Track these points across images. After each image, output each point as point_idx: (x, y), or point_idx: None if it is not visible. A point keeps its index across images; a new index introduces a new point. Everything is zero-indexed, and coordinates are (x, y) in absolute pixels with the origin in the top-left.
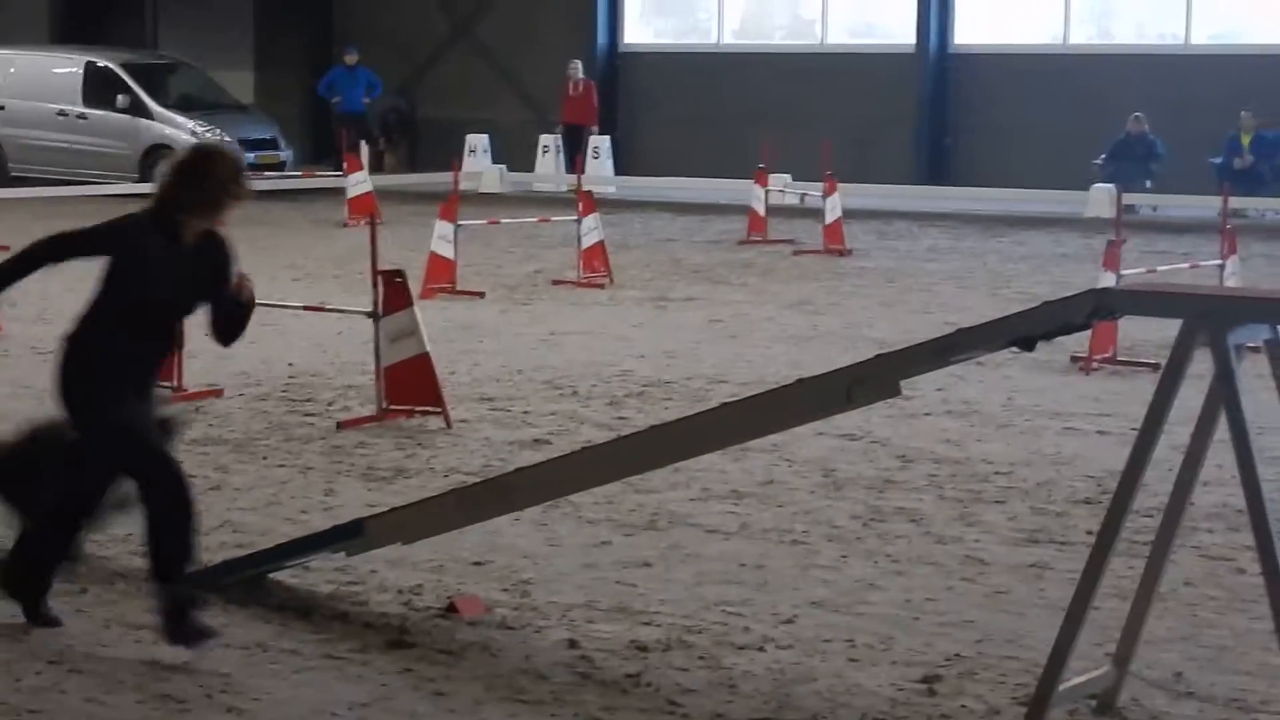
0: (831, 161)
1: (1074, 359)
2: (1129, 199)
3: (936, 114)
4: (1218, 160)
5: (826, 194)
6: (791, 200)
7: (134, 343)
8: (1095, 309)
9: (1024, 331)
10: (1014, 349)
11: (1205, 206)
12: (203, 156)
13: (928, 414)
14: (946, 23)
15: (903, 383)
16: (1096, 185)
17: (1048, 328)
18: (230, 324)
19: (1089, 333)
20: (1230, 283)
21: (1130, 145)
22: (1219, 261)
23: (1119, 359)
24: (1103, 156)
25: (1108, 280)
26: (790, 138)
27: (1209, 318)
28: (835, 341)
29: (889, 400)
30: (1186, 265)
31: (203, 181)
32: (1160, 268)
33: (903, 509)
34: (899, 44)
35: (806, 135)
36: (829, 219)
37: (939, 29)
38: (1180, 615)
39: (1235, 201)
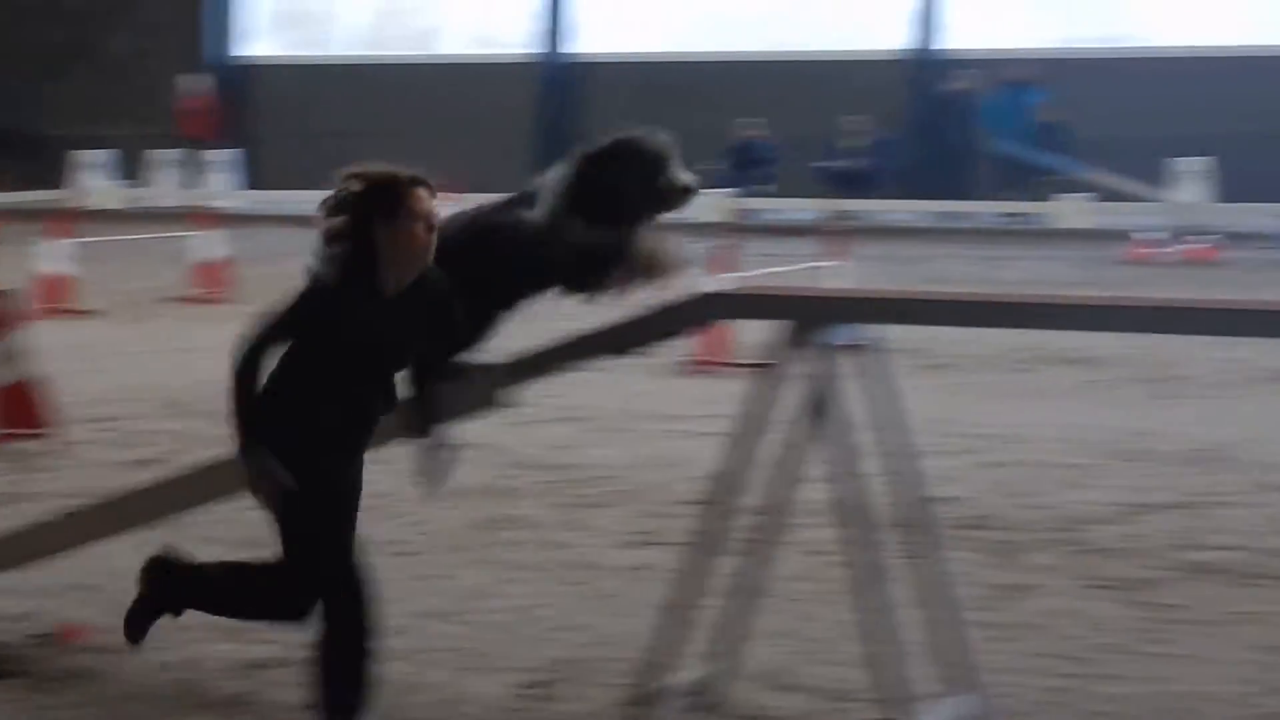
0: (453, 171)
1: (685, 362)
2: (745, 203)
3: (556, 123)
4: (824, 164)
5: (446, 204)
6: None
7: (341, 418)
8: (700, 314)
9: (630, 337)
10: (622, 354)
11: (820, 209)
12: (394, 184)
13: (542, 420)
14: (566, 31)
15: (515, 391)
16: (712, 190)
17: (654, 333)
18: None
19: (700, 336)
20: (841, 284)
21: (746, 151)
22: (826, 263)
23: (730, 361)
24: (718, 162)
25: (716, 285)
26: (415, 147)
27: (806, 318)
28: None
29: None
30: (796, 268)
31: (396, 217)
32: (772, 270)
33: (516, 516)
34: (519, 53)
35: (431, 145)
36: None
37: (558, 38)
38: (783, 610)
39: (849, 204)
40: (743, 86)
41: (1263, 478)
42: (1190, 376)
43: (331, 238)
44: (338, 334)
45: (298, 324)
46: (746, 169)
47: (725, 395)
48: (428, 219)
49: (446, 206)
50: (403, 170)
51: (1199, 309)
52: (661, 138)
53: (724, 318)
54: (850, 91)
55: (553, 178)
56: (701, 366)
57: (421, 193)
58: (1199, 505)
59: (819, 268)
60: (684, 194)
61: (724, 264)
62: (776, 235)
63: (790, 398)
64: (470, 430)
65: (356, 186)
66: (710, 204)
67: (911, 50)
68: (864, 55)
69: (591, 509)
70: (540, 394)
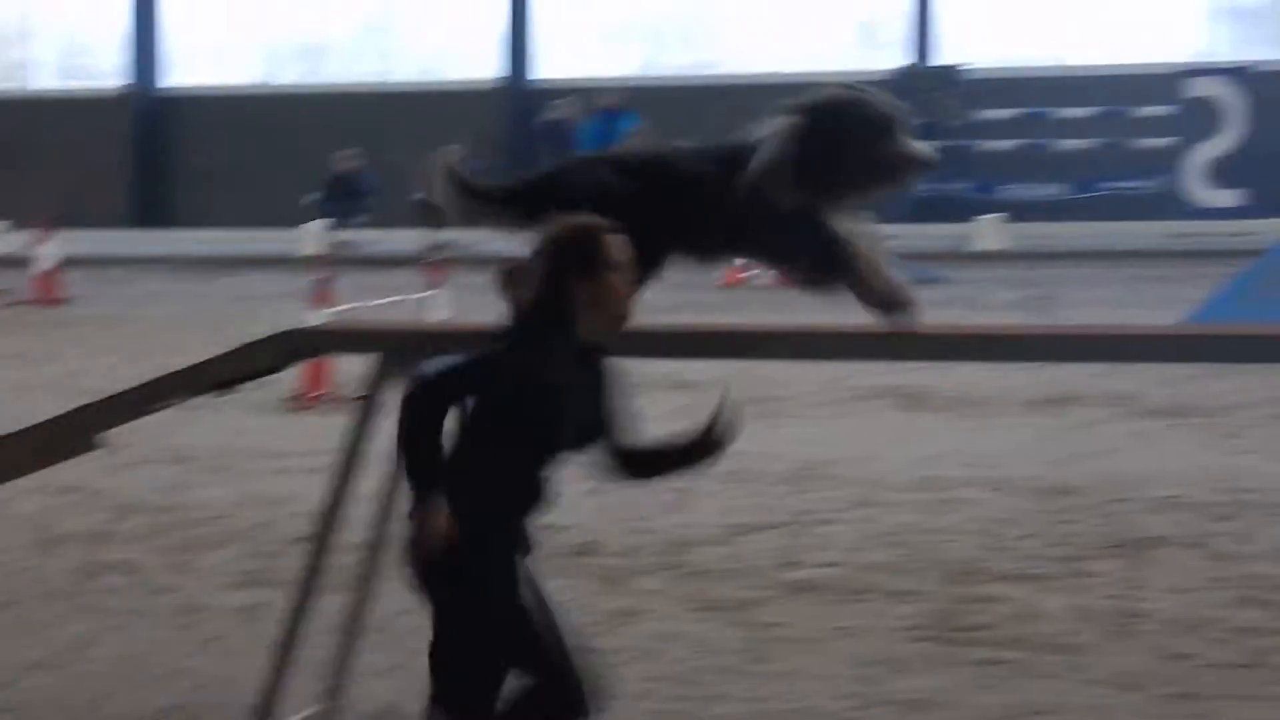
0: (46, 207)
1: (289, 398)
2: (346, 235)
3: (150, 156)
4: (423, 195)
5: (40, 241)
6: (4, 249)
7: (518, 507)
8: (292, 349)
9: (222, 376)
10: (216, 393)
11: (419, 240)
12: (587, 234)
13: (146, 462)
14: (159, 64)
15: (121, 430)
16: (309, 223)
17: (245, 371)
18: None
19: (303, 372)
20: (440, 314)
21: (341, 182)
22: (427, 294)
23: (333, 396)
24: (316, 194)
25: (315, 319)
26: (3, 183)
27: (399, 352)
28: (50, 394)
29: (104, 451)
30: (395, 300)
31: (594, 270)
32: (374, 302)
33: (119, 561)
34: (110, 86)
35: (19, 180)
36: (43, 267)
37: (151, 71)
38: (391, 647)
39: (448, 234)
40: (339, 118)
41: (861, 494)
42: (791, 397)
43: (518, 298)
44: (539, 408)
45: (472, 384)
46: (344, 201)
47: (329, 430)
48: (626, 270)
49: (39, 243)
50: (594, 219)
51: (801, 334)
52: (888, 98)
53: (309, 354)
54: (446, 121)
55: (771, 131)
56: (306, 402)
57: (618, 240)
58: (799, 524)
59: (421, 298)
60: (917, 167)
61: (324, 298)
62: (377, 267)
63: (385, 432)
64: (67, 474)
65: (545, 240)
66: (308, 236)
67: (504, 79)
68: (458, 85)
69: (197, 551)
70: (143, 434)
